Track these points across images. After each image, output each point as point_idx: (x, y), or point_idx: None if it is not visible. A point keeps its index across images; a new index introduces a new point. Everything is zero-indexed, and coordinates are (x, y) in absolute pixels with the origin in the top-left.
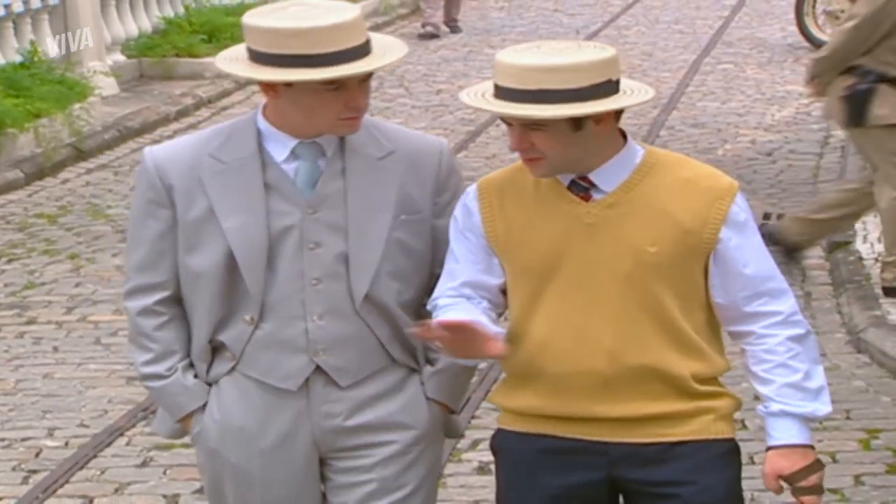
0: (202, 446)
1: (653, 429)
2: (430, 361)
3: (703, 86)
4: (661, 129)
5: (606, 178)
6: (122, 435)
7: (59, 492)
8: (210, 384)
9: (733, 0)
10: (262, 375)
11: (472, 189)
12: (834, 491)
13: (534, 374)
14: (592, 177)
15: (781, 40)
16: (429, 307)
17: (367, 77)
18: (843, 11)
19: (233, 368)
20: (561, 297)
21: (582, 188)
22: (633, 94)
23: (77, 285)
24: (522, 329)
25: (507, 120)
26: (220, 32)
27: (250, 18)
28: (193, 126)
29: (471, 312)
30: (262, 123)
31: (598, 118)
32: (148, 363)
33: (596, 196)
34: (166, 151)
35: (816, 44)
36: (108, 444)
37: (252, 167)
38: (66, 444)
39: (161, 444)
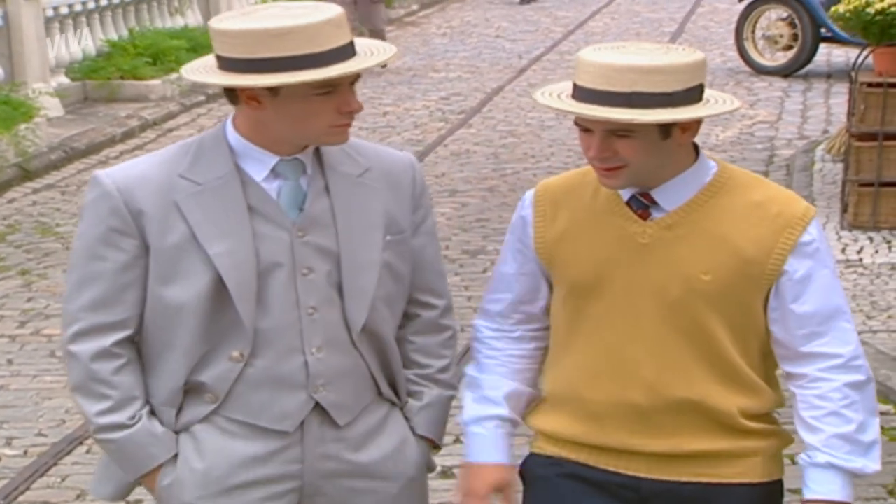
0: (176, 500)
1: (692, 467)
2: (411, 395)
3: None
4: None
5: (669, 195)
6: (81, 443)
7: (21, 499)
8: (177, 432)
9: (672, 27)
10: (251, 417)
11: (528, 195)
12: (794, 491)
13: (570, 399)
14: (654, 194)
15: (722, 65)
16: (478, 333)
17: (355, 79)
18: (781, 36)
19: (213, 412)
20: (603, 319)
21: (642, 205)
22: (718, 103)
23: (29, 300)
24: (563, 349)
25: (585, 125)
26: (164, 55)
27: (222, 23)
28: (140, 147)
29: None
30: (235, 138)
31: (685, 126)
32: (105, 412)
33: (655, 214)
34: (128, 174)
35: (756, 68)
36: (68, 453)
37: (232, 187)
38: (25, 452)
39: None
